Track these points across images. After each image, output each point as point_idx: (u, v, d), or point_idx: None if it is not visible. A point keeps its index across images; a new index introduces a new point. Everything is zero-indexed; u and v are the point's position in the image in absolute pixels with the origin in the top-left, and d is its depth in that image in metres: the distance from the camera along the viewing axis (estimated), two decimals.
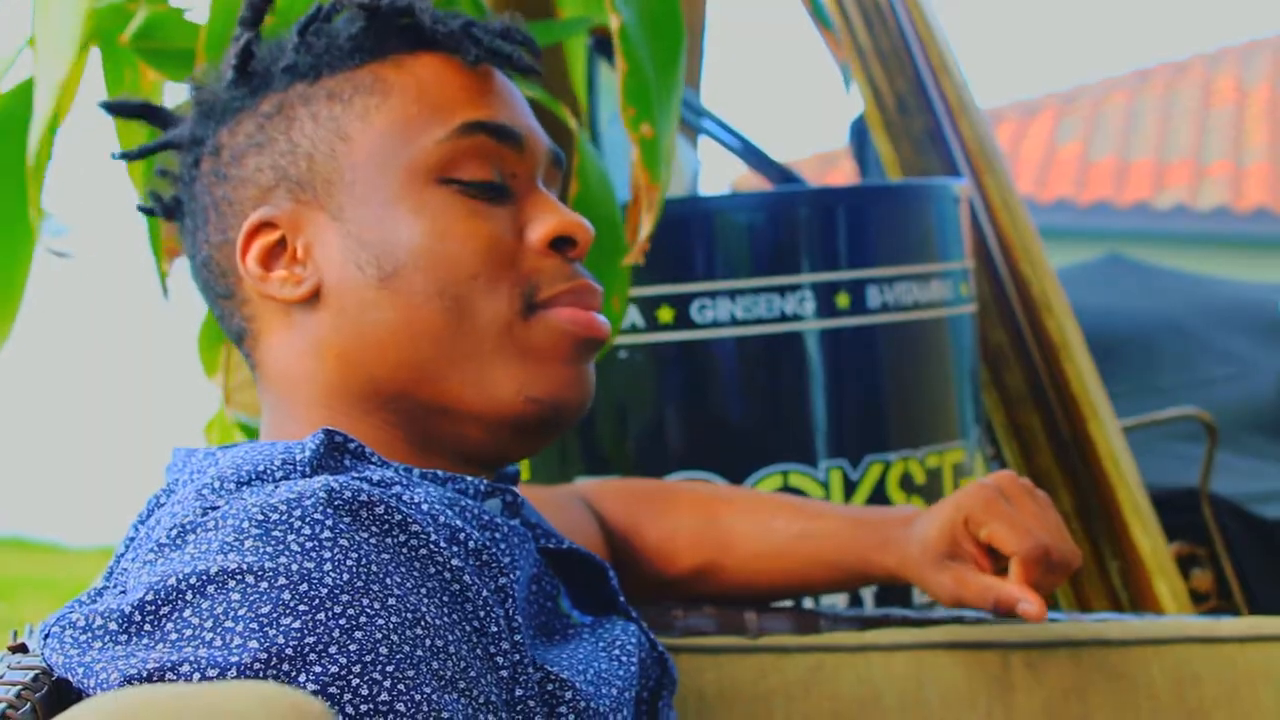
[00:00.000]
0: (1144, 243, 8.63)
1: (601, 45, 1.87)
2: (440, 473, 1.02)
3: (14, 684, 0.87)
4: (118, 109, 1.21)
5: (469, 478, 1.03)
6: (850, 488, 1.63)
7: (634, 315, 1.60)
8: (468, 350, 1.04)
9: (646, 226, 1.34)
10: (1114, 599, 2.04)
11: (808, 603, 1.55)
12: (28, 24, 1.45)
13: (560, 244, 1.08)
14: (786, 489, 1.61)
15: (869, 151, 2.35)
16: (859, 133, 2.51)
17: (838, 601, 1.61)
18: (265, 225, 1.06)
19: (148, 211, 1.18)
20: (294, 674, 0.81)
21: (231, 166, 1.08)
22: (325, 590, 0.83)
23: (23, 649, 0.94)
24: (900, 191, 1.80)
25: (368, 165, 1.05)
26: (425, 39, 1.09)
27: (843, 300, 1.62)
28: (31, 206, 1.35)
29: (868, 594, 1.63)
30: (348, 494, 0.87)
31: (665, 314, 1.60)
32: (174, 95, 1.50)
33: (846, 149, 2.67)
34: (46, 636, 0.87)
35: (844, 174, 9.63)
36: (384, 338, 1.03)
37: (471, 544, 0.94)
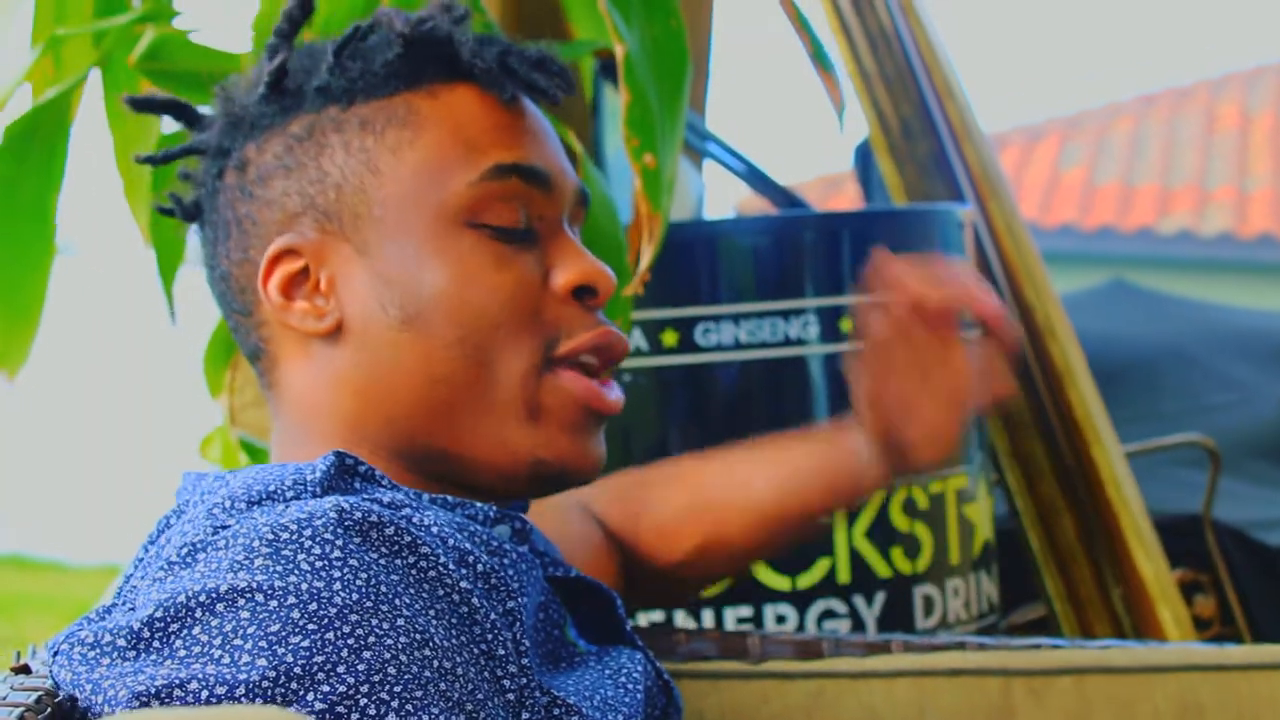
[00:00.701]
0: (1148, 268, 8.63)
1: (608, 69, 1.87)
2: (449, 498, 1.02)
3: (17, 705, 0.87)
4: (143, 105, 1.19)
5: (478, 504, 1.03)
6: (853, 512, 1.62)
7: (638, 338, 1.60)
8: (483, 400, 1.03)
9: (647, 257, 1.35)
10: (1117, 625, 2.03)
11: (810, 628, 1.55)
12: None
13: (582, 293, 1.07)
14: None
15: (873, 176, 2.35)
16: (863, 157, 2.51)
17: (840, 627, 1.61)
18: (289, 253, 1.05)
19: (166, 212, 1.16)
20: (302, 693, 0.81)
21: (257, 185, 1.07)
22: (334, 610, 0.83)
23: (25, 670, 0.94)
24: (904, 216, 1.81)
25: (397, 202, 1.04)
26: (462, 70, 1.07)
27: (847, 325, 1.62)
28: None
29: (870, 619, 1.63)
30: (358, 514, 0.87)
31: (669, 337, 1.60)
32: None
33: (851, 173, 2.68)
34: (55, 653, 0.87)
35: (848, 198, 9.63)
36: (402, 380, 1.03)
37: (480, 567, 0.93)
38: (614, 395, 1.08)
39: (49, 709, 0.87)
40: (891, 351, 1.24)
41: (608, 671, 1.07)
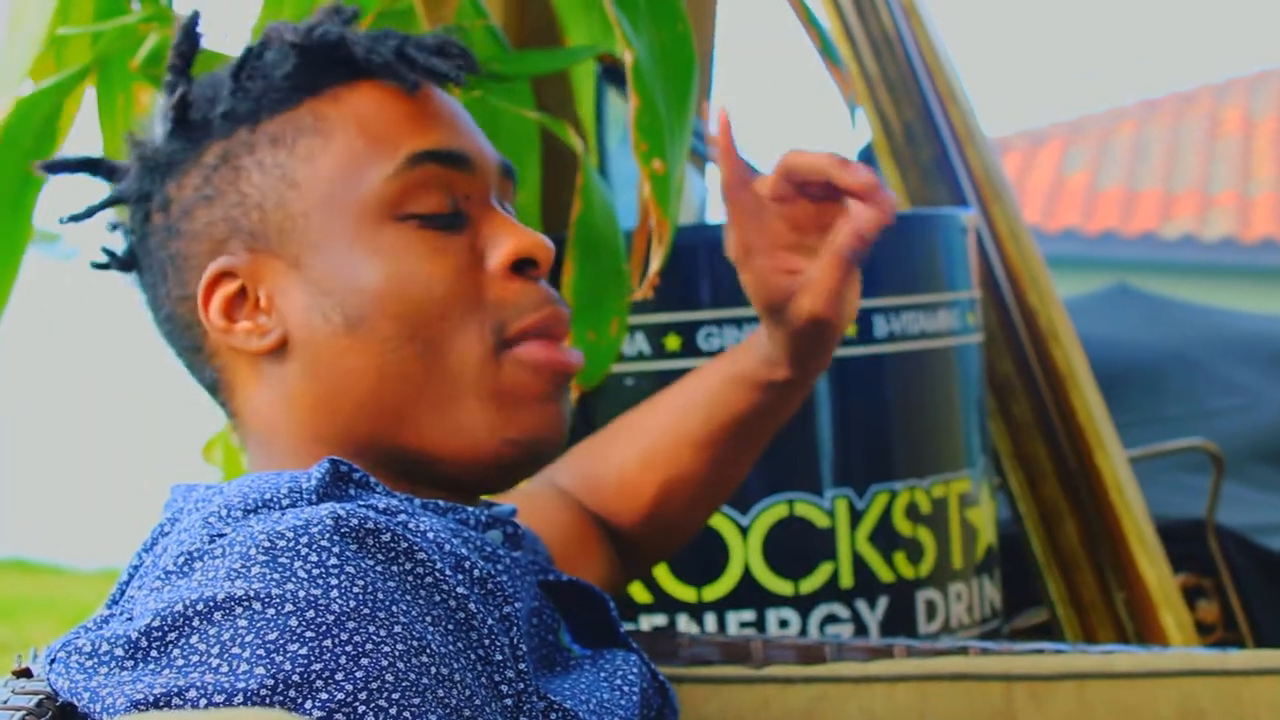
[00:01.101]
0: (1151, 273, 8.64)
1: (610, 73, 1.87)
2: (441, 503, 1.02)
3: (18, 709, 0.87)
4: (57, 168, 1.19)
5: (470, 509, 1.03)
6: (856, 517, 1.62)
7: (641, 343, 1.60)
8: (441, 393, 1.03)
9: (657, 261, 1.34)
10: (1120, 630, 2.03)
11: (813, 633, 1.55)
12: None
13: (522, 266, 1.06)
14: (792, 518, 1.60)
15: None
16: (866, 161, 2.51)
17: (843, 632, 1.61)
18: (225, 275, 1.04)
19: (102, 267, 1.16)
20: (300, 701, 0.81)
21: (182, 221, 1.07)
22: (332, 617, 0.83)
23: (26, 673, 0.93)
24: (907, 221, 1.80)
25: (320, 210, 1.03)
26: (360, 69, 1.07)
27: (849, 330, 1.62)
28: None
29: (872, 623, 1.63)
30: (354, 521, 0.87)
31: (672, 342, 1.60)
32: None
33: None
34: (52, 661, 0.87)
35: None
36: (355, 385, 1.03)
37: (477, 572, 0.93)
38: (574, 354, 1.08)
39: (50, 712, 0.87)
40: (761, 217, 1.20)
41: (603, 675, 1.07)
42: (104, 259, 1.15)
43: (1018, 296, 2.07)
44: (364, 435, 1.04)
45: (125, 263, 1.13)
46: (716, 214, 2.73)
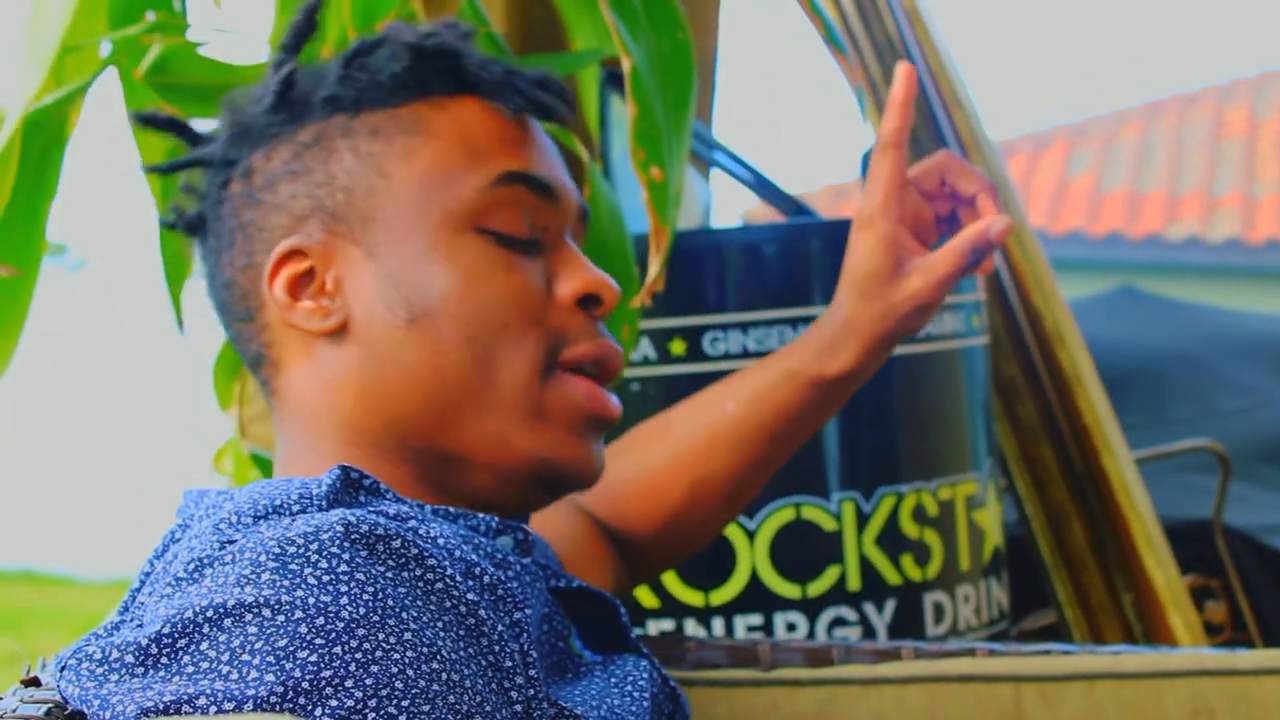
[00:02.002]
0: (1156, 274, 8.64)
1: (614, 79, 1.87)
2: (452, 509, 1.02)
3: (27, 718, 0.87)
4: (147, 121, 1.21)
5: (480, 515, 1.03)
6: (863, 520, 1.62)
7: (646, 347, 1.60)
8: (488, 401, 1.04)
9: (654, 268, 1.35)
10: (1128, 631, 2.03)
11: (821, 636, 1.55)
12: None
13: (587, 302, 1.08)
14: (799, 521, 1.60)
15: None
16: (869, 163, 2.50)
17: (850, 634, 1.61)
18: (295, 253, 1.06)
19: (169, 226, 1.18)
20: (310, 708, 0.81)
21: (264, 191, 1.08)
22: (342, 624, 0.83)
23: (35, 682, 0.94)
24: None
25: (406, 206, 1.05)
26: (468, 83, 1.09)
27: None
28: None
29: (880, 626, 1.63)
30: (365, 527, 0.88)
31: (677, 346, 1.60)
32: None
33: (858, 181, 2.68)
34: (63, 669, 0.87)
35: (856, 206, 9.63)
36: (407, 380, 1.04)
37: (487, 579, 0.94)
38: (615, 403, 1.09)
39: None
40: (903, 188, 1.30)
41: (614, 680, 1.07)
42: (172, 217, 1.16)
43: (1023, 299, 2.06)
44: (405, 430, 1.04)
45: (192, 224, 1.14)
46: (720, 219, 2.73)
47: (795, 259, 1.65)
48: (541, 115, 1.12)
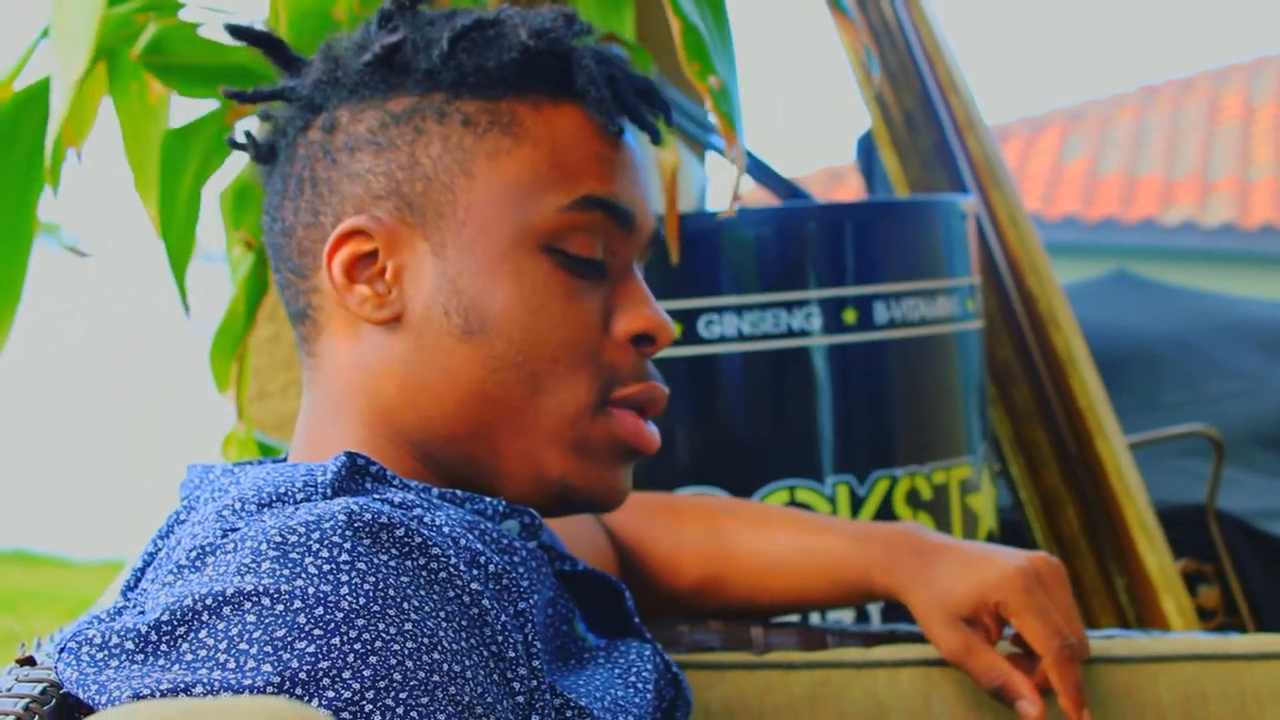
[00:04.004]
0: (1151, 259, 8.64)
1: None
2: (459, 493, 1.01)
3: (22, 696, 0.87)
4: (244, 34, 1.15)
5: (487, 498, 1.02)
6: (857, 503, 1.63)
7: None
8: (528, 425, 1.03)
9: (735, 176, 1.32)
10: (1120, 616, 2.03)
11: (814, 618, 1.55)
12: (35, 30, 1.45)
13: (640, 340, 1.07)
14: (793, 504, 1.60)
15: (876, 167, 2.35)
16: (866, 149, 2.51)
17: (844, 617, 1.61)
18: (361, 233, 1.03)
19: (239, 146, 1.13)
20: (307, 698, 0.81)
21: (344, 153, 1.04)
22: (341, 614, 0.83)
23: (30, 661, 0.94)
24: (907, 207, 1.81)
25: (483, 210, 1.02)
26: (573, 90, 1.05)
27: (850, 316, 1.62)
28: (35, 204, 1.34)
29: (874, 610, 1.63)
30: (368, 516, 0.87)
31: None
32: (183, 110, 1.49)
33: (854, 165, 2.67)
34: (62, 651, 0.87)
35: (851, 190, 9.63)
36: (450, 388, 1.02)
37: (492, 568, 0.93)
38: (656, 436, 1.08)
39: (54, 700, 0.88)
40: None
41: (618, 670, 1.07)
42: (243, 140, 1.13)
43: (1018, 283, 2.07)
44: (436, 432, 1.03)
45: (262, 153, 1.11)
46: (716, 202, 2.73)
47: (791, 242, 1.65)
48: (639, 131, 1.09)
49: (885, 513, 1.64)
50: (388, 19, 1.07)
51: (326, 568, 0.84)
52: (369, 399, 1.04)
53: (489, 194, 1.02)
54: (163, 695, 0.81)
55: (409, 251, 1.03)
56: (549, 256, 1.03)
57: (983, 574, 1.23)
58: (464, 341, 1.01)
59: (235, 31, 1.15)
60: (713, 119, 1.32)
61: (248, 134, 1.13)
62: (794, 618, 1.43)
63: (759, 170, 2.03)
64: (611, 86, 1.06)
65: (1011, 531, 1.99)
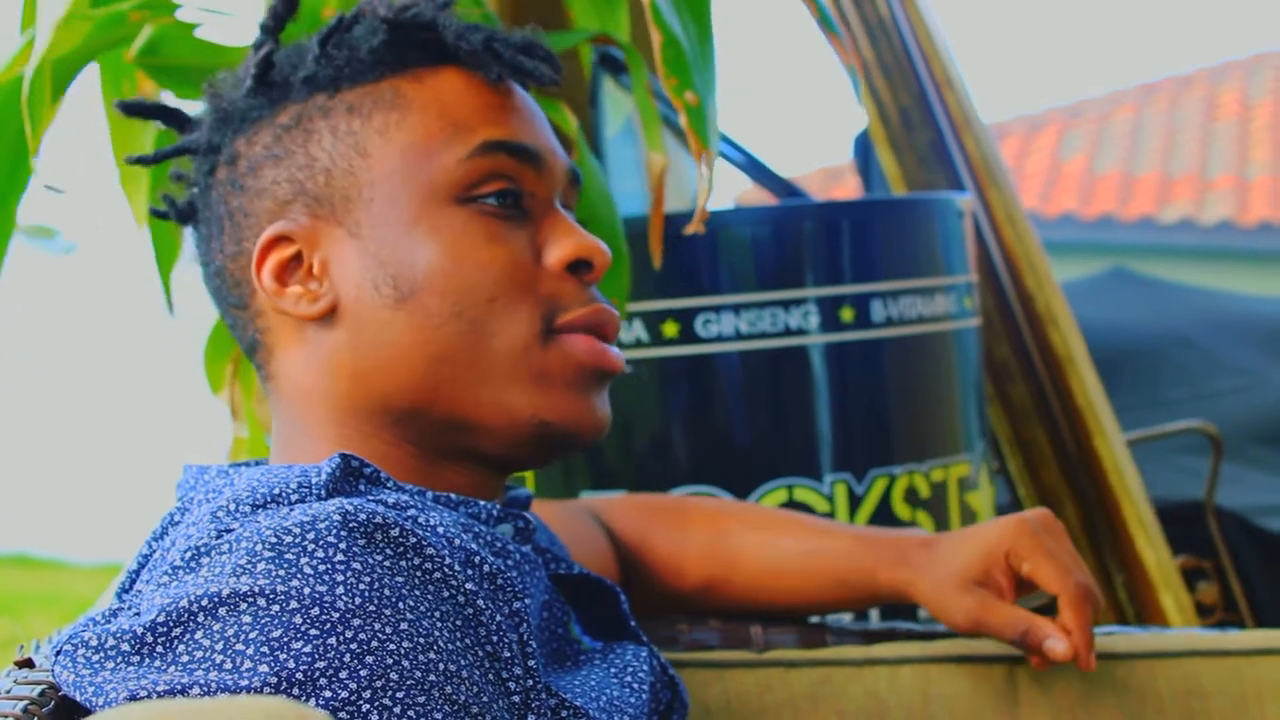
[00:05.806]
0: (1149, 256, 8.65)
1: (606, 60, 1.87)
2: (454, 496, 1.01)
3: (21, 698, 0.87)
4: (133, 110, 1.19)
5: (482, 502, 1.02)
6: (855, 502, 1.63)
7: (639, 330, 1.60)
8: (484, 372, 1.03)
9: (702, 197, 1.32)
10: (1120, 612, 2.03)
11: (814, 617, 1.55)
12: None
13: (577, 267, 1.07)
14: (791, 503, 1.61)
15: (873, 166, 2.35)
16: (863, 147, 2.51)
17: (844, 616, 1.61)
18: (282, 239, 1.05)
19: (160, 215, 1.17)
20: (304, 699, 0.81)
21: (248, 177, 1.07)
22: (337, 614, 0.83)
23: (29, 664, 0.94)
24: (904, 206, 1.81)
25: (387, 183, 1.04)
26: (447, 53, 1.07)
27: (847, 314, 1.62)
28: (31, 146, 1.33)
29: (874, 609, 1.63)
30: (363, 516, 0.87)
31: (670, 328, 1.60)
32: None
33: (851, 164, 2.67)
34: (58, 653, 0.87)
35: (848, 188, 9.63)
36: (399, 358, 1.02)
37: (486, 568, 0.93)
38: (617, 354, 1.08)
39: (52, 702, 0.88)
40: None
41: (613, 670, 1.07)
42: (163, 207, 1.16)
43: (1015, 280, 2.07)
44: (400, 406, 1.03)
45: (183, 213, 1.14)
46: (714, 202, 2.72)
47: (788, 241, 1.65)
48: (525, 80, 1.11)
49: (883, 511, 1.64)
50: (259, 46, 1.10)
51: (322, 568, 0.84)
52: (330, 400, 1.05)
53: (388, 165, 1.04)
54: (159, 697, 0.81)
55: (329, 242, 1.04)
56: (463, 208, 1.04)
57: (986, 535, 1.26)
58: (400, 309, 1.02)
59: (125, 108, 1.19)
60: (688, 136, 1.32)
61: (165, 198, 1.16)
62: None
63: (756, 170, 2.03)
64: (485, 43, 1.08)
65: None
